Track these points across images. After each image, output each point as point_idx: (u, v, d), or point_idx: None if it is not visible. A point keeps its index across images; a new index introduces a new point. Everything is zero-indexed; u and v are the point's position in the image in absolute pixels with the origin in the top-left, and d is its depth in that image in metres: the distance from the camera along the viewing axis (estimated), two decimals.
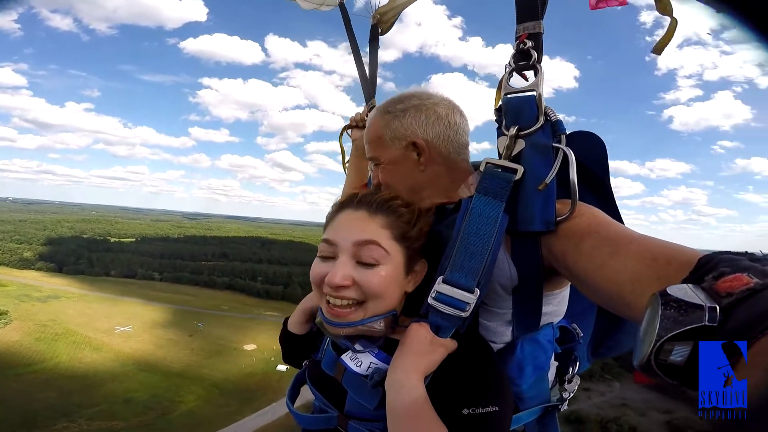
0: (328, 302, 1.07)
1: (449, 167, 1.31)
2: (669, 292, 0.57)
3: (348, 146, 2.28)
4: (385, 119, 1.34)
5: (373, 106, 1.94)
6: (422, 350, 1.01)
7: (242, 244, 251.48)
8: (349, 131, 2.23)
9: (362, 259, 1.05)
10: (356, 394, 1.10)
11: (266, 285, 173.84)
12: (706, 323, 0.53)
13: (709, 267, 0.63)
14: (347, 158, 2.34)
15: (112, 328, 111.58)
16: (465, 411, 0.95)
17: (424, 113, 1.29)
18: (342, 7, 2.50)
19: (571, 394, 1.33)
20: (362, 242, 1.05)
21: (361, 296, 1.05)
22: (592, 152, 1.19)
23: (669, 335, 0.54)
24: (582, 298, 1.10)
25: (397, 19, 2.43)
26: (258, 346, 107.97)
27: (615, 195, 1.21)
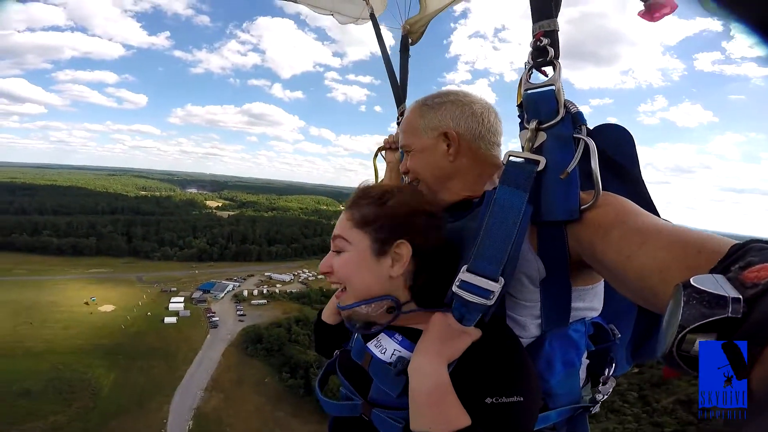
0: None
1: (478, 161, 1.35)
2: (693, 282, 0.55)
3: (381, 168, 2.23)
4: (421, 110, 1.40)
5: (403, 112, 1.98)
6: (446, 337, 1.01)
7: None
8: (383, 153, 2.20)
9: (335, 249, 1.16)
10: (380, 382, 1.10)
11: (70, 239, 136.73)
12: (729, 315, 0.50)
13: (737, 256, 0.60)
14: (380, 179, 2.22)
15: None
16: (488, 400, 0.93)
17: (460, 108, 1.35)
18: (373, 18, 2.58)
19: (605, 396, 1.30)
20: (334, 237, 1.17)
21: (339, 281, 1.15)
22: (619, 143, 1.19)
23: (691, 326, 0.52)
24: (620, 298, 1.06)
25: (426, 29, 2.52)
26: (117, 306, 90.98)
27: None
